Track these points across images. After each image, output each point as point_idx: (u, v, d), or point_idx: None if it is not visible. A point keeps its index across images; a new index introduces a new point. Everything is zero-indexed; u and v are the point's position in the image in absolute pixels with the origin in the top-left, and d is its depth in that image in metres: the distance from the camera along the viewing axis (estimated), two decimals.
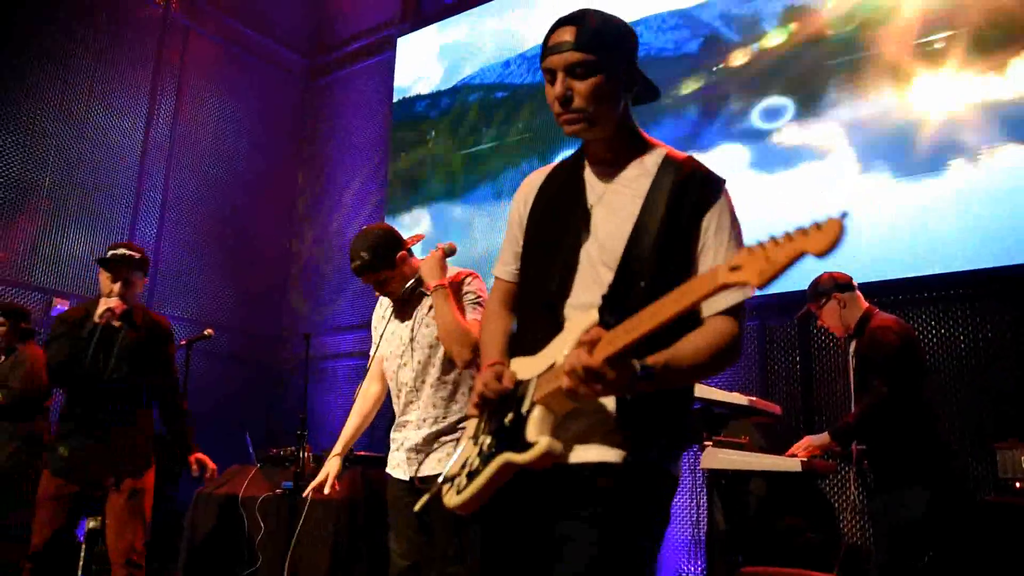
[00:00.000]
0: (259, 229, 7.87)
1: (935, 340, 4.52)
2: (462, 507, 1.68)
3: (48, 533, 3.47)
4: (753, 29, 5.59)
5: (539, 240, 1.86)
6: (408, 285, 2.98)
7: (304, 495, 3.12)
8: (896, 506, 3.44)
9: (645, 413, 1.64)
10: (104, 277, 3.65)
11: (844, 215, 1.24)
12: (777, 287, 4.75)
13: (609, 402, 1.64)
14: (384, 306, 3.15)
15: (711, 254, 1.67)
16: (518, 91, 6.94)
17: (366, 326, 7.16)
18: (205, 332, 3.95)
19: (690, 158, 1.77)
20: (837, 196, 4.91)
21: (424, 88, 7.65)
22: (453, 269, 2.97)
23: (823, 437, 3.65)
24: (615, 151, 1.78)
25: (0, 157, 6.19)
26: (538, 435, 1.56)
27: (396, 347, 3.03)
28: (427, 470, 2.89)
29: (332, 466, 3.15)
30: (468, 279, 3.00)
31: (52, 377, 3.60)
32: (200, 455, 3.77)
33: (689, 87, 5.78)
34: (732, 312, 1.64)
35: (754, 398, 3.67)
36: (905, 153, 4.74)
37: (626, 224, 1.70)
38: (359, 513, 4.53)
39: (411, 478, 2.92)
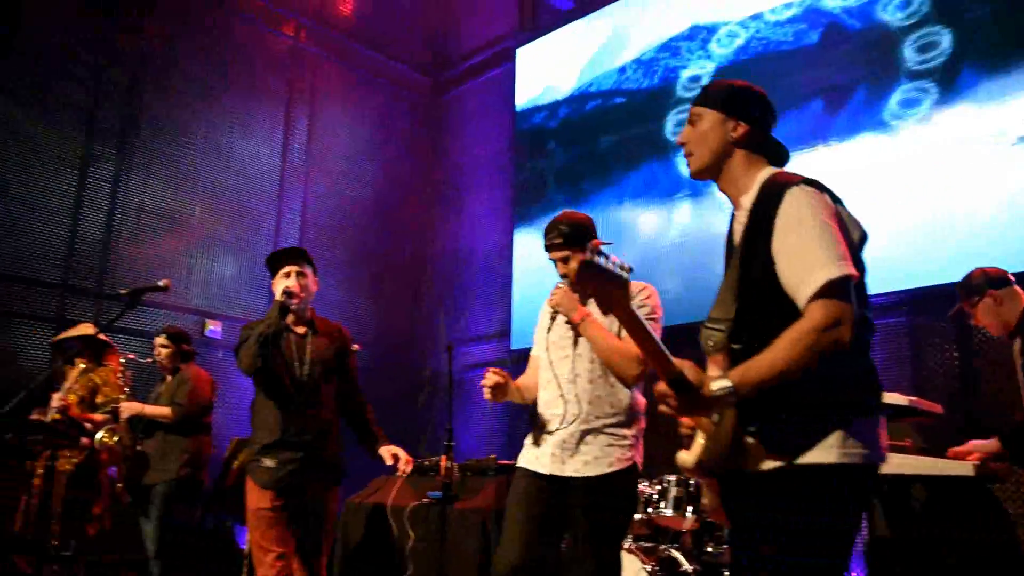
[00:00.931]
0: (393, 244, 8.12)
1: None
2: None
3: (282, 551, 3.37)
4: (877, 15, 5.37)
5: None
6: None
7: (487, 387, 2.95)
8: None
9: (760, 419, 1.77)
10: (278, 277, 3.61)
11: (591, 250, 1.53)
12: (926, 279, 4.56)
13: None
14: None
15: (783, 261, 1.78)
16: (635, 95, 6.90)
17: (500, 336, 7.34)
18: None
19: (773, 175, 1.93)
20: (983, 190, 4.64)
21: (543, 98, 7.71)
22: (632, 283, 2.97)
23: (992, 443, 3.37)
24: (735, 193, 1.99)
25: (158, 191, 6.69)
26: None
27: (560, 337, 3.01)
28: (570, 470, 2.85)
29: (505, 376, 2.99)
30: (642, 292, 2.98)
31: (249, 374, 3.50)
32: (394, 447, 3.67)
33: (811, 80, 5.60)
34: (819, 296, 1.69)
35: (914, 398, 3.50)
36: None
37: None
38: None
39: (550, 474, 2.87)
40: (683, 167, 6.13)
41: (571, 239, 2.96)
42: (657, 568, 3.99)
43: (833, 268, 1.70)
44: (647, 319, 2.86)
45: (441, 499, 4.23)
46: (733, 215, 2.04)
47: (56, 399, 4.70)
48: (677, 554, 4.07)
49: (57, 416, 4.62)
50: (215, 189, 7.01)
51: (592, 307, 2.98)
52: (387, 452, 3.64)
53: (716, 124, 1.99)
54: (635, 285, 2.99)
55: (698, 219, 6.12)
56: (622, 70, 7.06)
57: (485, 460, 4.91)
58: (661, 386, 1.72)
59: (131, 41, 6.64)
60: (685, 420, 1.89)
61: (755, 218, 1.86)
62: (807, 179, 1.85)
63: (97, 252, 6.33)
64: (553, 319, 3.04)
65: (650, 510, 4.14)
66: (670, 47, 6.68)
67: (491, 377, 2.95)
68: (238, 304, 6.88)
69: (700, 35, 6.47)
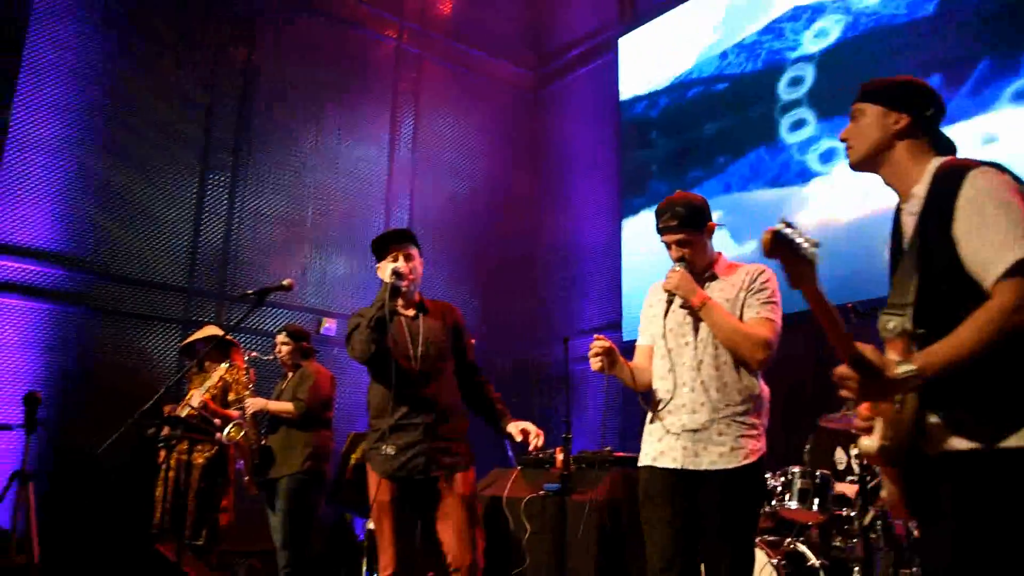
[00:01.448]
0: (501, 238, 8.16)
1: None
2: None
3: (403, 544, 3.33)
4: None
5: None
6: (705, 264, 2.91)
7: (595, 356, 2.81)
8: None
9: (947, 402, 1.73)
10: (385, 260, 3.51)
11: (783, 222, 1.54)
12: None
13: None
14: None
15: (968, 243, 1.74)
16: (738, 81, 6.73)
17: (611, 328, 7.29)
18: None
19: (948, 161, 1.92)
20: None
21: (644, 87, 7.61)
22: (749, 266, 2.91)
23: None
24: (903, 185, 1.98)
25: (273, 196, 6.95)
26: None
27: (678, 324, 2.88)
28: (705, 463, 2.72)
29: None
30: (762, 276, 2.86)
31: (362, 361, 3.42)
32: (522, 422, 3.51)
33: (927, 53, 5.31)
34: (1008, 276, 1.66)
35: None
36: None
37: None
38: (622, 514, 4.55)
39: (683, 468, 2.74)
40: (800, 154, 5.84)
41: (687, 221, 2.83)
42: (783, 562, 3.89)
43: (1022, 247, 1.67)
44: (767, 302, 2.80)
45: (559, 491, 4.22)
46: (899, 207, 2.03)
47: (196, 397, 4.93)
48: (804, 548, 3.96)
49: (192, 412, 4.85)
50: (326, 191, 7.22)
51: (710, 290, 2.88)
52: (515, 428, 3.49)
53: (877, 118, 2.02)
54: (753, 267, 2.90)
55: (809, 205, 5.93)
56: (723, 55, 6.90)
57: (601, 452, 4.88)
58: (842, 369, 1.71)
59: (241, 53, 6.90)
60: (863, 410, 1.85)
61: (932, 204, 1.86)
62: (987, 162, 1.84)
63: (218, 256, 6.62)
64: (668, 304, 2.90)
65: (774, 502, 4.04)
66: (773, 29, 6.49)
67: (600, 343, 2.81)
68: (351, 303, 7.06)
69: (804, 15, 6.26)
